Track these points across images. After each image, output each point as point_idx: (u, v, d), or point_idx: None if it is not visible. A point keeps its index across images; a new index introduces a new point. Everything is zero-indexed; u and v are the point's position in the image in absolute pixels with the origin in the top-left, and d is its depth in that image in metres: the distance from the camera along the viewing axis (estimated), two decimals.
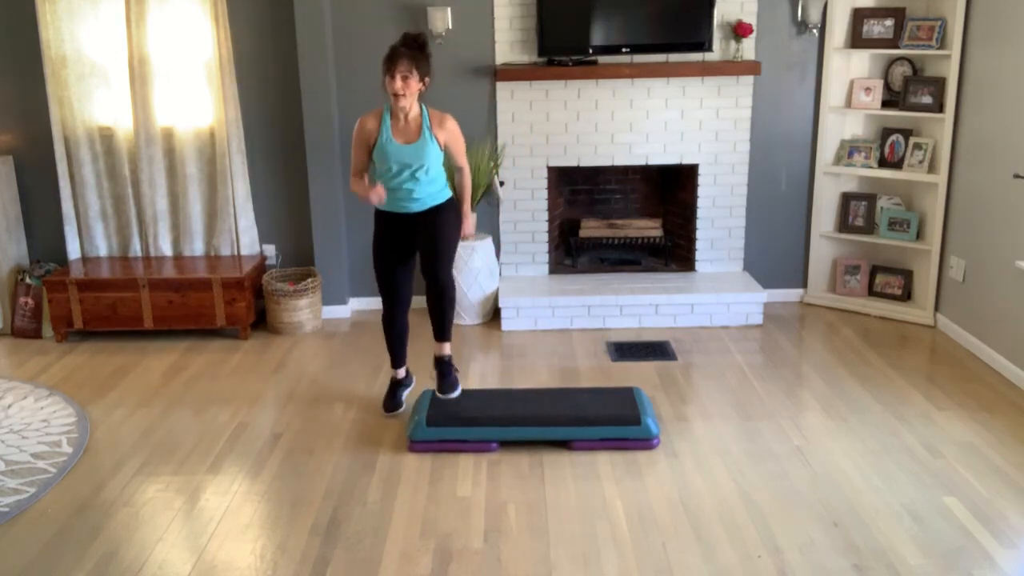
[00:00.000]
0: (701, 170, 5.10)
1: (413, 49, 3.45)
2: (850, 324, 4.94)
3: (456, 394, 3.70)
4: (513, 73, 4.83)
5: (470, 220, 3.84)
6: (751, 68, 4.82)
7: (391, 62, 3.42)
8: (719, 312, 4.92)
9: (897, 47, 4.76)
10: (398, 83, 3.41)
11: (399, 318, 3.84)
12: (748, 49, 4.88)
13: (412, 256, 3.75)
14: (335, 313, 5.20)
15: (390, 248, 3.70)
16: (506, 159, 5.05)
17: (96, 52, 4.92)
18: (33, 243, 5.25)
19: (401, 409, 3.93)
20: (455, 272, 4.84)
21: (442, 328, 3.70)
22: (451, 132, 3.61)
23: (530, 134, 5.03)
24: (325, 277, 5.13)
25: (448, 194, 3.71)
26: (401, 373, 3.96)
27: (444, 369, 3.72)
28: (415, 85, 3.46)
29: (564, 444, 3.56)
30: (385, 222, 3.70)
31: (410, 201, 3.61)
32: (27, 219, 5.20)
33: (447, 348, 3.73)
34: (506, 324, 4.91)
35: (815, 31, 4.87)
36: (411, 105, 3.50)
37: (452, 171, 3.79)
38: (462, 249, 4.89)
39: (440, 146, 3.58)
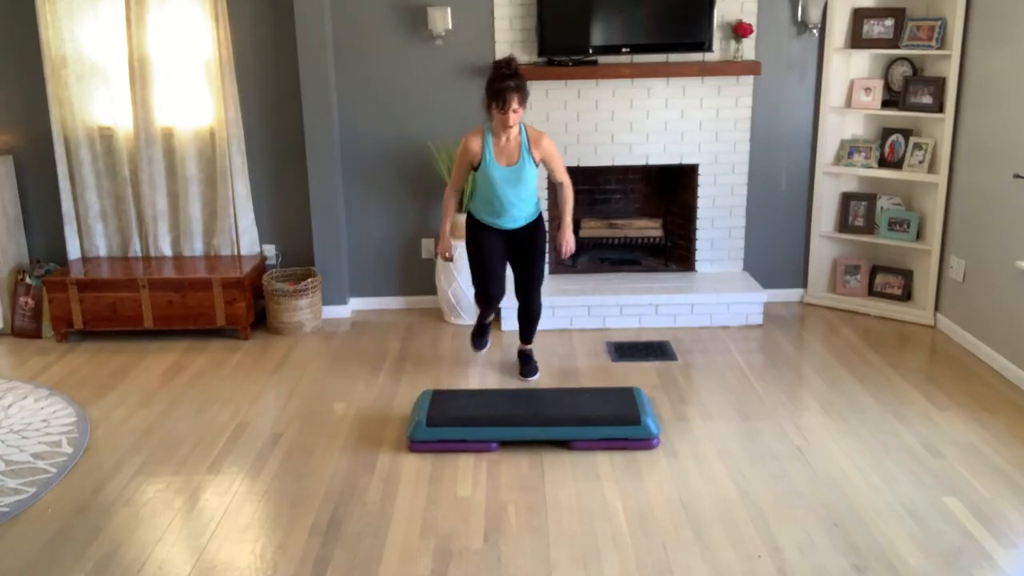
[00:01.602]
0: (701, 170, 5.10)
1: (516, 80, 3.71)
2: (850, 324, 4.94)
3: (535, 377, 4.25)
4: None
5: (570, 236, 4.04)
6: (751, 68, 4.82)
7: (502, 100, 3.69)
8: (719, 312, 4.92)
9: (897, 47, 4.76)
10: (511, 118, 3.71)
11: (495, 296, 4.14)
12: (748, 49, 4.88)
13: (505, 264, 4.10)
14: (335, 313, 5.20)
15: (486, 253, 4.02)
16: None
17: (96, 52, 4.92)
18: (33, 243, 5.25)
19: (487, 347, 4.46)
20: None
21: (528, 335, 4.30)
22: (547, 150, 3.91)
23: None
24: (325, 277, 5.13)
25: (538, 210, 4.07)
26: (489, 320, 4.36)
27: (526, 359, 4.30)
28: (521, 112, 3.75)
29: (564, 444, 3.56)
30: (478, 232, 4.02)
31: (507, 220, 3.95)
32: (27, 219, 5.20)
33: (530, 346, 4.33)
34: (506, 324, 4.90)
35: (815, 31, 4.87)
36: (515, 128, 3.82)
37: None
38: (462, 249, 4.88)
39: (536, 164, 3.88)
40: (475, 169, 3.88)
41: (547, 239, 4.15)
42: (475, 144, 3.84)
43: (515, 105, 3.69)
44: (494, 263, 4.04)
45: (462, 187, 4.04)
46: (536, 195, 4.03)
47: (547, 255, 4.26)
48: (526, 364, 4.29)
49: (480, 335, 4.37)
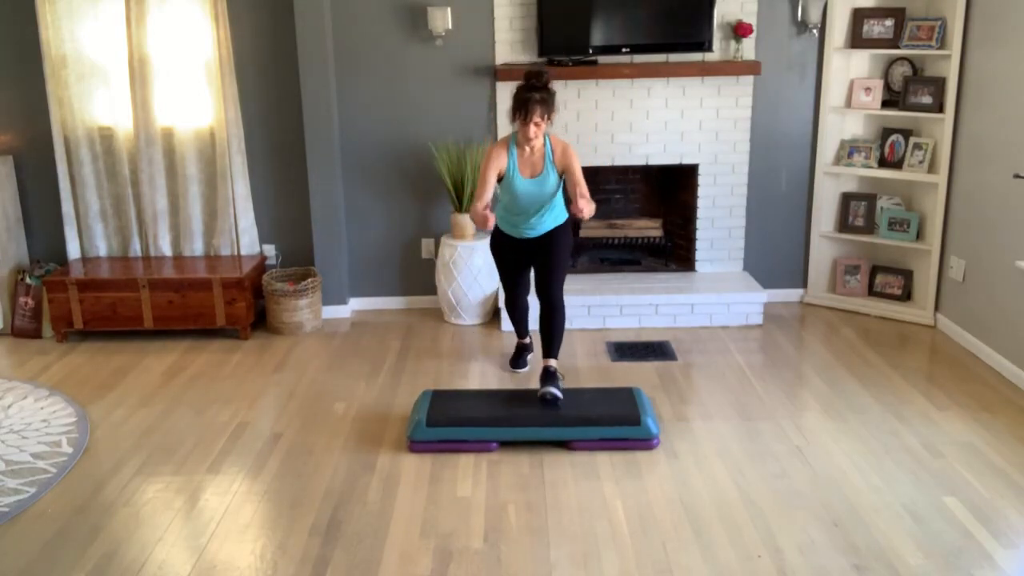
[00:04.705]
0: (701, 170, 5.10)
1: (543, 92, 3.67)
2: (850, 324, 4.94)
3: (555, 397, 3.71)
4: (513, 73, 4.82)
5: (583, 203, 3.66)
6: (751, 68, 4.82)
7: (525, 111, 3.65)
8: (719, 312, 4.92)
9: (897, 47, 4.76)
10: (532, 130, 3.68)
11: (520, 300, 4.27)
12: (748, 49, 4.88)
13: (530, 266, 4.12)
14: (335, 313, 5.20)
15: (510, 261, 4.12)
16: None
17: (96, 52, 4.92)
18: (33, 243, 5.24)
19: (526, 368, 4.36)
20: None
21: (549, 346, 3.97)
22: (566, 159, 3.82)
23: None
24: (325, 277, 5.13)
25: (565, 215, 4.00)
26: (526, 340, 4.42)
27: (548, 379, 3.83)
28: (544, 126, 3.73)
29: (564, 444, 3.56)
30: (502, 240, 4.07)
31: (530, 230, 3.95)
32: (27, 219, 5.20)
33: (553, 363, 3.92)
34: (506, 324, 4.90)
35: (815, 31, 4.87)
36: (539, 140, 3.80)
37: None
38: (462, 249, 4.89)
39: (558, 173, 3.84)
40: (499, 178, 3.85)
41: (571, 243, 4.07)
42: (501, 154, 3.81)
43: (537, 118, 3.65)
44: (519, 266, 4.11)
45: (489, 199, 3.80)
46: (561, 203, 3.97)
47: (570, 259, 4.18)
48: (544, 384, 3.78)
49: (518, 356, 4.42)
